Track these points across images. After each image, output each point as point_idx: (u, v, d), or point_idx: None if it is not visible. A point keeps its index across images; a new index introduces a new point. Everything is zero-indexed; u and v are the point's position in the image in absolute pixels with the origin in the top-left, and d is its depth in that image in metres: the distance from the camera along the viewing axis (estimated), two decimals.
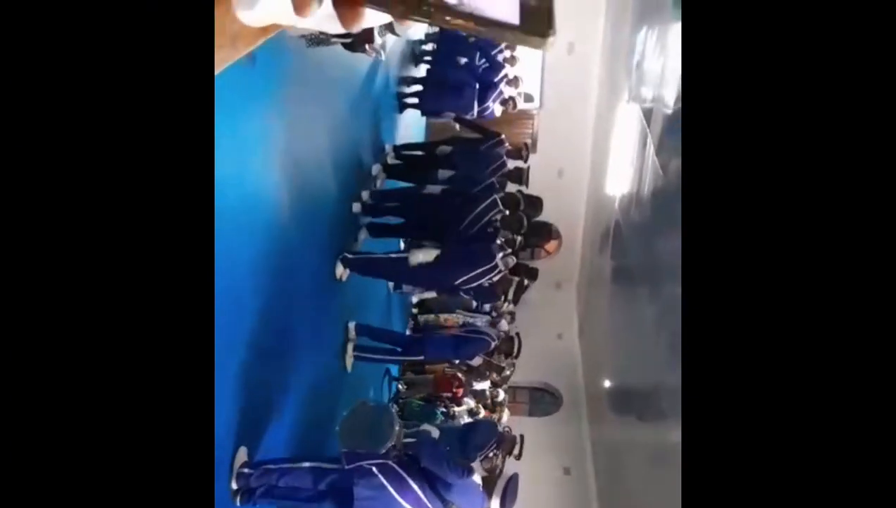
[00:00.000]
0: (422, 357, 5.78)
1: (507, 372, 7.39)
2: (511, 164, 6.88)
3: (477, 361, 6.28)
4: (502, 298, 6.82)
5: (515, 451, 5.06)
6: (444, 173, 6.26)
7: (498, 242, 5.96)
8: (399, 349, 5.72)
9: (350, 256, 5.24)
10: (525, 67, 9.34)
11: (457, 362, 6.76)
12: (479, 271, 5.15)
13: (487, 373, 7.15)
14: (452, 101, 7.62)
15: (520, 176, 6.71)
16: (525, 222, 6.00)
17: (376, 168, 6.55)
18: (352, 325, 5.45)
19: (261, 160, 3.77)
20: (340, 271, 5.19)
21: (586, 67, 10.21)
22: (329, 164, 5.16)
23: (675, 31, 5.46)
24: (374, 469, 3.36)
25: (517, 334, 6.45)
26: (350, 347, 5.39)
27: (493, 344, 5.86)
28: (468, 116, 7.67)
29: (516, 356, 6.48)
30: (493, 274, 5.27)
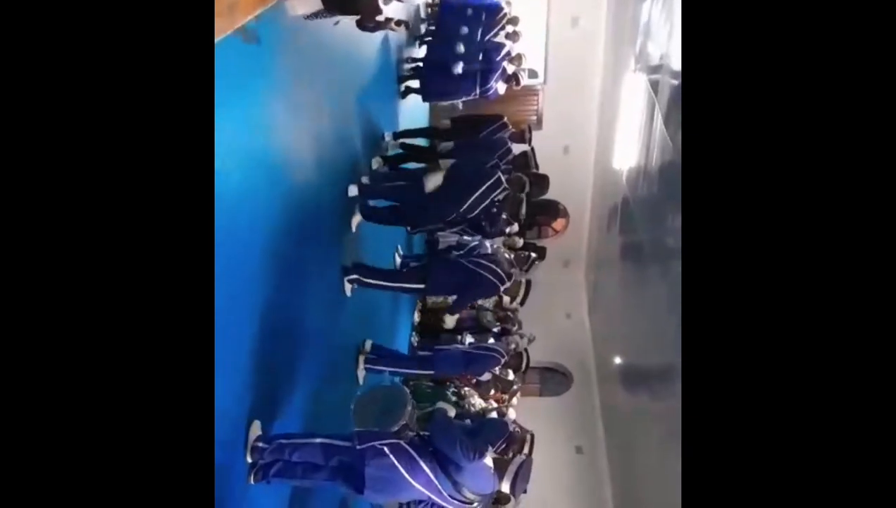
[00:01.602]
0: (432, 372, 5.73)
1: (516, 387, 7.35)
2: (516, 149, 6.70)
3: (486, 376, 6.25)
4: (510, 300, 6.80)
5: (525, 450, 5.04)
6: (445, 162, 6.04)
7: (503, 216, 5.90)
8: (408, 363, 5.76)
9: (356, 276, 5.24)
10: (529, 42, 9.20)
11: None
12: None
13: (497, 386, 7.13)
14: (454, 82, 7.45)
15: (526, 162, 6.51)
16: (524, 205, 5.89)
17: (376, 161, 6.34)
18: (368, 343, 5.53)
19: (256, 140, 3.66)
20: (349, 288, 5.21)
21: (591, 41, 10.08)
22: (326, 150, 5.01)
23: None
24: (385, 449, 3.36)
25: (525, 349, 6.51)
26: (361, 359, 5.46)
27: (502, 360, 5.86)
28: (471, 97, 7.55)
29: (524, 372, 6.49)
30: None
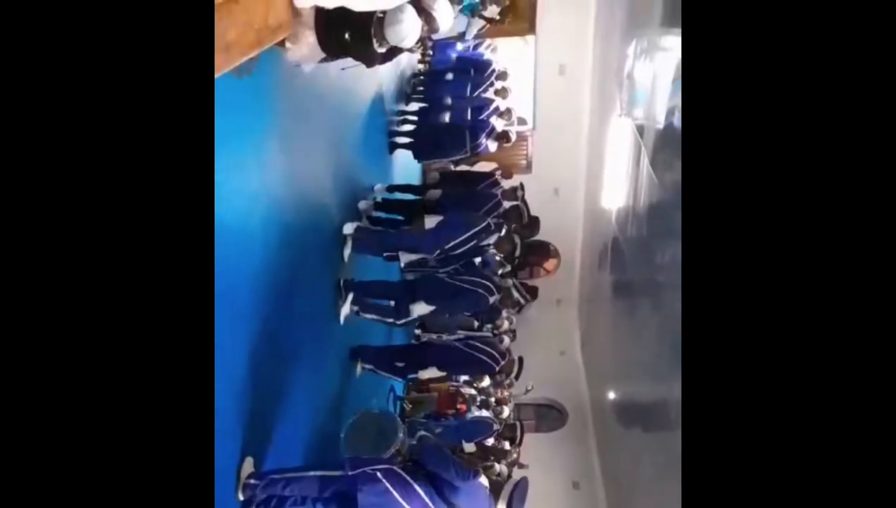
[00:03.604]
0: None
1: (514, 455, 7.35)
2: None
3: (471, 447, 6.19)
4: (505, 375, 6.85)
5: (517, 437, 5.01)
6: (431, 220, 5.80)
7: (497, 262, 6.04)
8: None
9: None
10: (518, 89, 9.48)
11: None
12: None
13: (491, 458, 7.16)
14: (444, 140, 7.52)
15: (519, 215, 6.40)
16: (518, 244, 5.92)
17: (364, 203, 6.24)
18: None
19: (245, 181, 3.74)
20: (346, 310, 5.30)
21: (578, 87, 10.37)
22: (313, 197, 5.04)
23: (664, 44, 5.59)
24: (378, 474, 3.32)
25: (520, 420, 6.55)
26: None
27: (495, 429, 5.97)
28: (462, 154, 7.60)
29: (519, 444, 6.51)
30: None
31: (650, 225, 6.34)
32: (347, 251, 5.45)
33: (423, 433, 3.98)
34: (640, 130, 6.54)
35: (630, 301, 7.44)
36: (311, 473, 3.49)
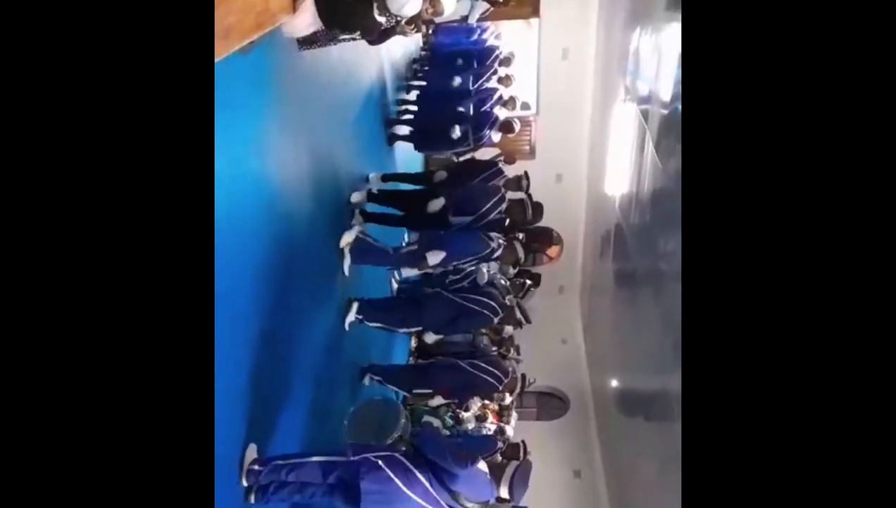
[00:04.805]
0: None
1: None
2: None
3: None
4: (509, 393, 6.82)
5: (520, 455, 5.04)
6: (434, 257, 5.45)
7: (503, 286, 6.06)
8: None
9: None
10: (521, 74, 9.37)
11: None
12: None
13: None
14: (446, 133, 7.29)
15: (523, 210, 6.03)
16: (521, 258, 5.73)
17: (357, 195, 5.99)
18: None
19: (244, 167, 3.70)
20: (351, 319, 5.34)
21: (581, 72, 10.30)
22: (309, 190, 4.92)
23: (669, 28, 5.51)
24: (380, 462, 3.33)
25: (522, 441, 6.56)
26: None
27: (500, 447, 5.91)
28: (464, 147, 7.42)
29: (525, 454, 6.48)
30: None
31: (654, 212, 6.29)
32: (347, 263, 5.38)
33: (427, 418, 3.99)
34: (645, 115, 6.47)
35: (633, 290, 7.41)
36: (314, 458, 3.51)
